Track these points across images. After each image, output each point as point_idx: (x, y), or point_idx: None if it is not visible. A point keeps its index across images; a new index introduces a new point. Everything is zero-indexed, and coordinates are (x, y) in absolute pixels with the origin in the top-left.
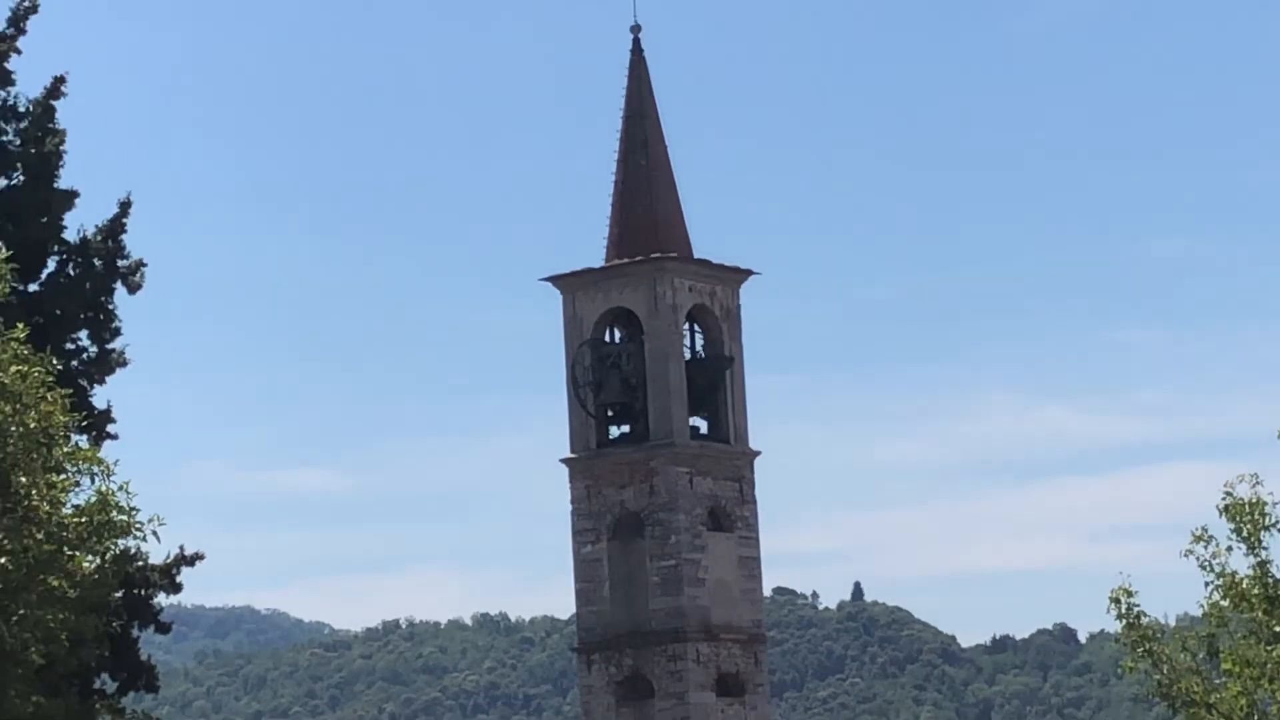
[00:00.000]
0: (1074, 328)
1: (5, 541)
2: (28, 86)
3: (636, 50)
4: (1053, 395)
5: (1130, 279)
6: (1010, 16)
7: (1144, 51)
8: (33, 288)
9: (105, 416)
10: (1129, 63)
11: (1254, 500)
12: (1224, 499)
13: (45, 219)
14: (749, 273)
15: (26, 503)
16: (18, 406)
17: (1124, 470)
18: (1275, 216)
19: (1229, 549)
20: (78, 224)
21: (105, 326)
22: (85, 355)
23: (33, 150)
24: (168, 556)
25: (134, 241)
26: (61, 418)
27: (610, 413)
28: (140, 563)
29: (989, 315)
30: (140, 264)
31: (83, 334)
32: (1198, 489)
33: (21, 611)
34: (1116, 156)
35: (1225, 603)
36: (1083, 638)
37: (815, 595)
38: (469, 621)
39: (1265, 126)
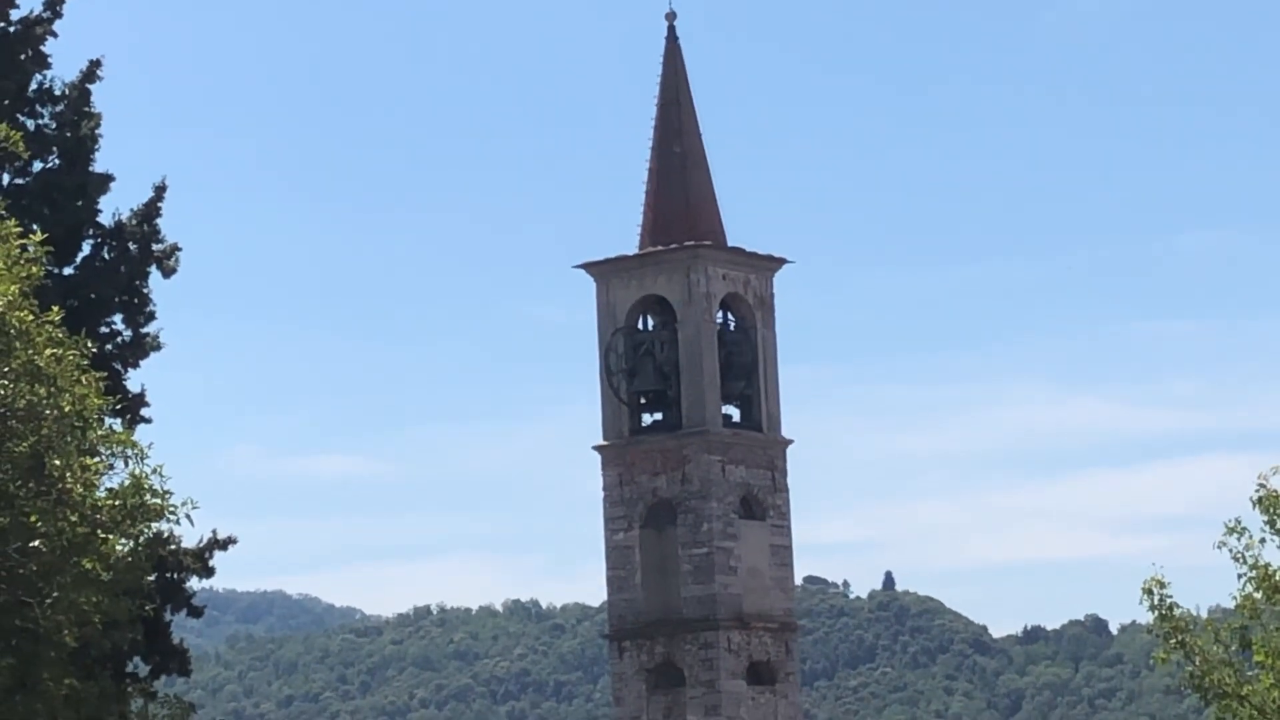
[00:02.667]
0: (1106, 319)
1: (39, 524)
2: (64, 70)
3: (671, 38)
4: (1086, 386)
5: (1161, 270)
6: (1042, 9)
7: (1175, 42)
8: (68, 271)
9: (139, 400)
10: (1160, 54)
11: None
12: (1257, 491)
13: (81, 203)
14: (783, 261)
15: (60, 485)
16: (52, 390)
17: (1157, 462)
18: None
19: (1262, 541)
20: (113, 208)
21: (140, 310)
22: (120, 339)
23: (68, 134)
24: (201, 540)
25: (169, 226)
26: (96, 401)
27: (643, 400)
28: (173, 546)
29: (1022, 306)
30: (175, 248)
31: (117, 318)
32: (1231, 481)
33: (55, 594)
34: (1148, 148)
35: (1258, 594)
36: (1114, 629)
37: (847, 584)
38: (500, 608)
39: None
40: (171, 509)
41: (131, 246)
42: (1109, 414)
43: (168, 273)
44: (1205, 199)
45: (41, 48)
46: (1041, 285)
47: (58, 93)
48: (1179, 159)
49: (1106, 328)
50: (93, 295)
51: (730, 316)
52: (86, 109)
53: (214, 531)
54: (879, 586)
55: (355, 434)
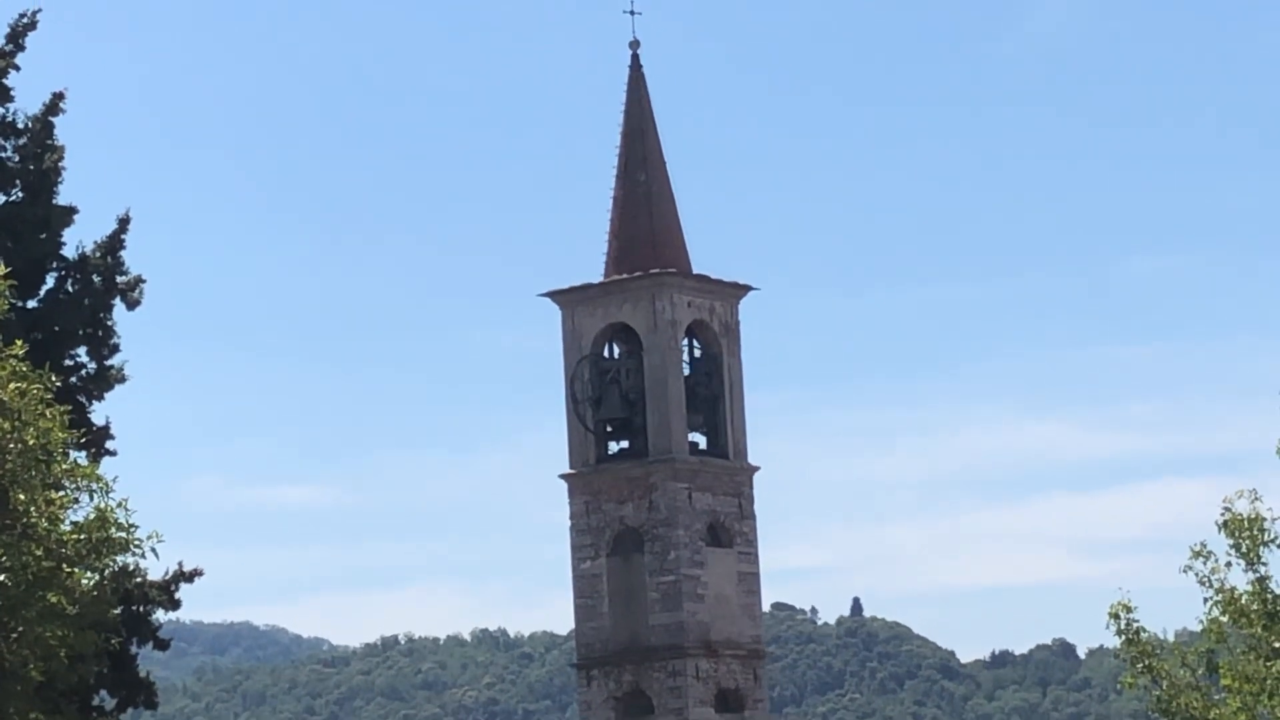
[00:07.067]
0: (1065, 342)
1: (4, 558)
2: (26, 103)
3: (635, 66)
4: (1046, 410)
5: (1116, 295)
6: (999, 37)
7: (1125, 70)
8: (32, 304)
9: (104, 433)
10: (1110, 81)
11: (1253, 516)
12: (1223, 514)
13: (44, 235)
14: (747, 288)
15: (25, 519)
16: (16, 423)
17: (1118, 485)
18: (1256, 231)
19: (1228, 565)
20: (76, 240)
21: (104, 343)
22: (84, 372)
23: (31, 166)
24: (166, 573)
25: (133, 258)
26: (60, 434)
27: (609, 428)
28: (139, 579)
29: (984, 330)
30: (139, 280)
31: (81, 350)
32: (1197, 504)
33: (20, 629)
34: (1101, 172)
35: (1224, 618)
36: (1082, 653)
37: (814, 611)
38: (468, 637)
39: (1245, 142)
40: (137, 541)
41: (95, 279)
42: (1070, 437)
43: (132, 305)
44: (1157, 223)
45: (4, 80)
46: (1000, 309)
47: (20, 125)
48: (1131, 183)
49: (1065, 352)
50: (57, 328)
51: (696, 343)
52: (49, 142)
53: (179, 564)
54: (847, 613)
55: (321, 463)
